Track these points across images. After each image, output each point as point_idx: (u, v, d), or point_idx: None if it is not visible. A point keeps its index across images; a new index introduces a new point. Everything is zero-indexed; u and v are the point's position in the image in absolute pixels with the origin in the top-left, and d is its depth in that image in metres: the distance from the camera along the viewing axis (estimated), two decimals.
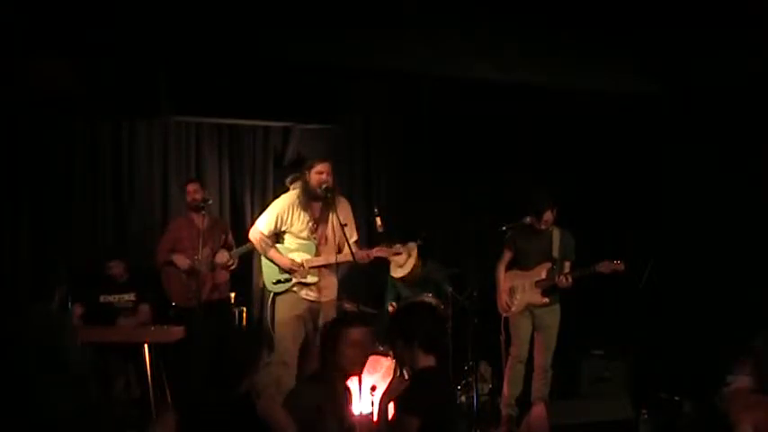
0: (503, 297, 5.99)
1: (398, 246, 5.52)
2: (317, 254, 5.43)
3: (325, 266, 5.43)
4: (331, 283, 5.48)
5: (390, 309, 6.44)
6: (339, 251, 5.44)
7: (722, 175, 6.72)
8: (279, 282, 5.39)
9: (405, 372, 3.67)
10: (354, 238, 5.48)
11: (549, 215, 5.86)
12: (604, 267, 5.79)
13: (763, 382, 3.00)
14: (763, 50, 6.00)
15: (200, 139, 7.06)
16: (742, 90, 6.51)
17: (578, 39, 6.13)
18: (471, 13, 5.72)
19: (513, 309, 5.95)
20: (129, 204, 6.81)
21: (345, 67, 6.73)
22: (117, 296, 6.09)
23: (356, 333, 3.57)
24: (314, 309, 5.41)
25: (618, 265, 5.78)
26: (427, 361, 3.47)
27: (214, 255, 6.21)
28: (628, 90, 7.14)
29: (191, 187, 6.29)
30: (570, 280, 5.83)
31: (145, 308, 6.08)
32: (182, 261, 6.14)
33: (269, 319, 5.47)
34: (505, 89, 7.12)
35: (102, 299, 6.07)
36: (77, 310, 5.99)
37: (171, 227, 6.39)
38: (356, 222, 5.67)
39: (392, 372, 5.72)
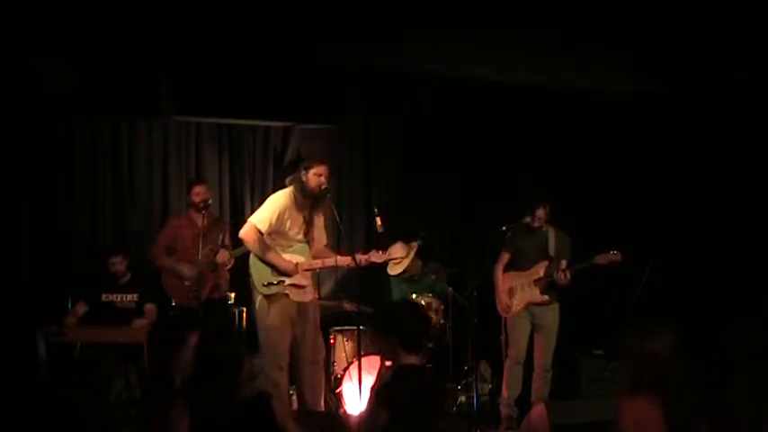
0: (502, 298, 5.99)
1: (397, 246, 5.48)
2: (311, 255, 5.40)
3: (319, 269, 5.41)
4: (312, 283, 5.47)
5: None
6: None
7: (722, 174, 6.73)
8: (270, 284, 5.28)
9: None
10: (325, 242, 5.48)
11: (541, 212, 5.86)
12: (602, 259, 5.79)
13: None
14: (763, 50, 6.00)
15: (200, 139, 7.04)
16: (742, 90, 6.51)
17: (578, 39, 6.13)
18: (471, 13, 5.72)
19: (513, 309, 5.95)
20: (129, 204, 6.80)
21: (345, 67, 6.74)
22: (119, 295, 6.08)
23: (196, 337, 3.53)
24: (302, 310, 5.37)
25: (615, 255, 5.77)
26: (409, 359, 3.44)
27: (215, 254, 6.20)
28: (628, 90, 7.14)
29: (199, 189, 6.24)
30: (569, 276, 5.82)
31: (151, 307, 6.07)
32: (187, 270, 6.08)
33: (261, 321, 5.37)
34: (505, 89, 7.13)
35: (104, 297, 6.06)
36: (79, 308, 5.98)
37: (170, 225, 6.35)
38: (356, 222, 5.67)
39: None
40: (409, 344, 3.44)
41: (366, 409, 3.55)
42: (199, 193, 6.18)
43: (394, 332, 3.44)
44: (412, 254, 6.08)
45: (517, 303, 5.93)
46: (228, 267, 6.27)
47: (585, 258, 5.86)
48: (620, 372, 3.17)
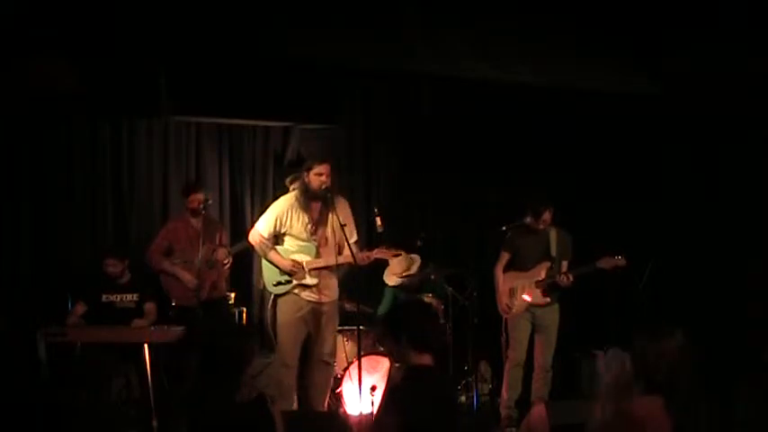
0: (503, 299, 5.98)
1: (400, 259, 5.51)
2: (318, 255, 5.42)
3: (325, 268, 5.43)
4: (331, 284, 5.48)
5: None
6: (339, 252, 5.43)
7: (722, 174, 6.73)
8: (279, 283, 5.38)
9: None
10: (354, 238, 5.48)
11: (547, 215, 5.87)
12: (605, 263, 5.79)
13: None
14: (763, 50, 6.00)
15: (200, 139, 7.05)
16: (742, 90, 6.51)
17: (578, 39, 6.14)
18: (471, 14, 5.72)
19: (514, 310, 5.94)
20: (129, 204, 6.80)
21: (345, 67, 6.74)
22: (119, 296, 6.08)
23: None
24: (316, 310, 5.41)
25: (619, 260, 5.78)
26: (421, 359, 3.33)
27: (212, 252, 6.22)
28: (628, 90, 7.14)
29: (194, 197, 6.24)
30: (571, 278, 5.83)
31: (151, 307, 6.08)
32: (188, 278, 6.12)
33: (269, 320, 5.47)
34: (505, 89, 7.13)
35: (104, 298, 6.06)
36: (79, 308, 5.98)
37: (167, 228, 6.35)
38: (356, 222, 5.67)
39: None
40: (420, 343, 3.33)
41: (377, 414, 3.48)
42: (194, 200, 6.21)
43: (404, 333, 3.34)
44: (414, 267, 6.12)
45: (518, 304, 5.92)
46: (227, 265, 6.29)
47: (588, 260, 5.86)
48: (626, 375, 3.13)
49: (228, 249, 6.25)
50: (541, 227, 5.91)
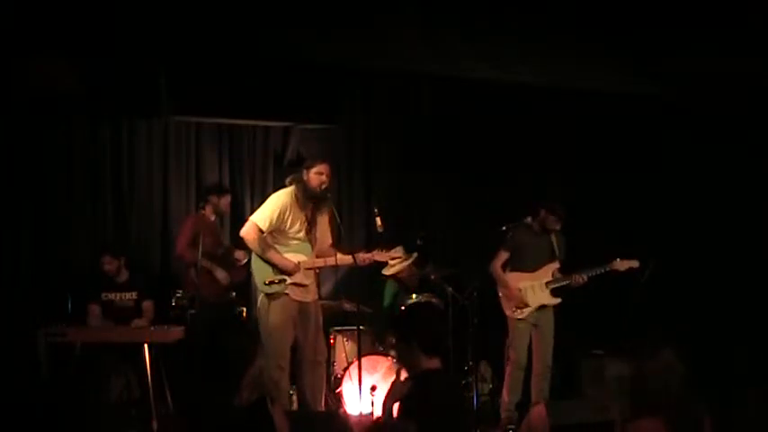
0: (515, 298, 5.91)
1: (399, 248, 5.46)
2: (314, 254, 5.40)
3: (321, 268, 5.41)
4: (315, 283, 5.47)
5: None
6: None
7: (722, 174, 6.74)
8: (272, 283, 5.28)
9: (404, 372, 3.57)
10: (330, 241, 5.47)
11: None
12: (620, 265, 5.77)
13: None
14: (763, 51, 6.00)
15: (200, 139, 7.05)
16: (742, 91, 6.51)
17: (578, 39, 6.13)
18: (471, 13, 5.72)
19: (527, 311, 5.90)
20: (129, 204, 6.81)
21: (345, 67, 6.74)
22: (118, 294, 6.10)
23: None
24: (303, 310, 5.36)
25: (634, 262, 5.77)
26: (430, 363, 3.34)
27: (231, 252, 6.29)
28: (628, 90, 7.14)
29: (228, 199, 6.51)
30: (585, 279, 5.81)
31: (148, 305, 6.10)
32: (223, 276, 6.18)
33: (262, 320, 5.36)
34: (505, 89, 7.13)
35: (103, 297, 6.08)
36: (95, 308, 6.02)
37: (192, 220, 6.36)
38: (356, 222, 5.68)
39: (392, 372, 5.72)
40: (431, 347, 3.35)
41: (391, 423, 3.46)
42: (225, 203, 6.48)
43: (414, 337, 3.34)
44: (410, 260, 6.09)
45: (532, 306, 5.90)
46: (242, 263, 6.31)
47: (589, 261, 5.85)
48: (621, 395, 3.11)
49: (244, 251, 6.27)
50: (557, 228, 5.90)
